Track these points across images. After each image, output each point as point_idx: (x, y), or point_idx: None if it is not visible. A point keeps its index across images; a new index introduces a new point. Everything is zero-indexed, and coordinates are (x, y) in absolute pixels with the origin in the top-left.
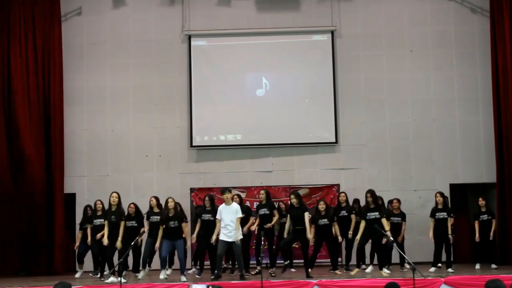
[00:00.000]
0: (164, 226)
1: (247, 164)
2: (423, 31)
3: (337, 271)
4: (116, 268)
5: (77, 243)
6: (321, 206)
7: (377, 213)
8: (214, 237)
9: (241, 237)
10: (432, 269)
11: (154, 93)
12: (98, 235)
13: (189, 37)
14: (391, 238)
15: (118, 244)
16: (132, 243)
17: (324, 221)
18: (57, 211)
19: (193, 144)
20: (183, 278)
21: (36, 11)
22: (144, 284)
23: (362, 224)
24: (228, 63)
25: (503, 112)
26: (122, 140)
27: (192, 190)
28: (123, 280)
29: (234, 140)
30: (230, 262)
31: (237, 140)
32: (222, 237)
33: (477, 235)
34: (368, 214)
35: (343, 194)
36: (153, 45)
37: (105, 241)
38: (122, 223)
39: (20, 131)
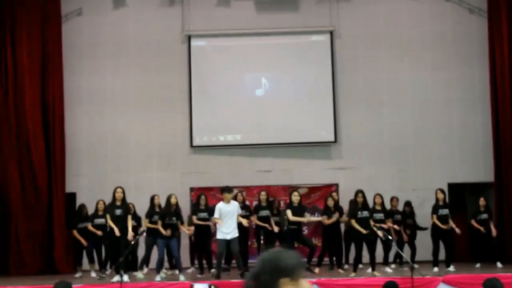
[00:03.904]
0: (162, 222)
1: (246, 163)
2: (422, 31)
3: (340, 270)
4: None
5: (84, 242)
6: (330, 202)
7: (366, 212)
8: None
9: (237, 234)
10: (436, 269)
11: (154, 93)
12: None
13: (189, 38)
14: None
15: (130, 236)
16: (133, 242)
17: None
18: (58, 210)
19: (193, 144)
20: (182, 277)
21: (37, 11)
22: (144, 284)
23: (355, 224)
24: (227, 64)
25: (501, 112)
26: (122, 140)
27: (192, 189)
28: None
29: (234, 140)
30: (224, 261)
31: (236, 140)
32: (220, 235)
33: (474, 224)
34: (359, 213)
35: (334, 194)
36: (153, 45)
37: (117, 232)
38: (129, 217)
39: (21, 131)
